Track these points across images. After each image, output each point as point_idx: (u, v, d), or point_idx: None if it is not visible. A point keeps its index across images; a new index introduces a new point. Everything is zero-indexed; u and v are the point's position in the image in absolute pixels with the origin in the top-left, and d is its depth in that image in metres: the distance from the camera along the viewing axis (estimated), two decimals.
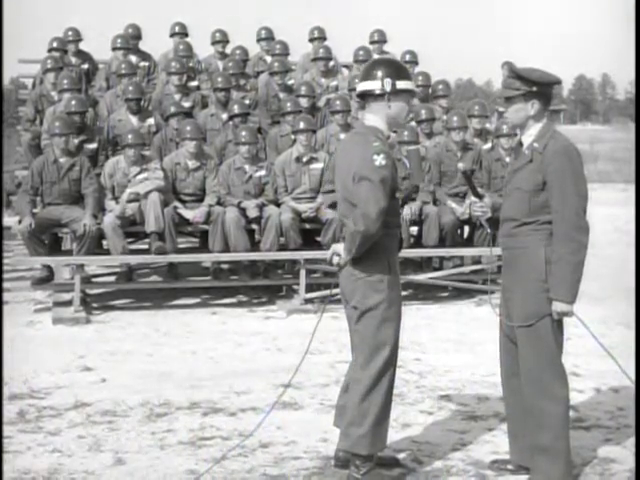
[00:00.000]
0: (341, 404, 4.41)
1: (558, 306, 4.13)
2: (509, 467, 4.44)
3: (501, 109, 11.01)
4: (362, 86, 4.29)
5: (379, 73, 4.22)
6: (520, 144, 4.34)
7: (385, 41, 11.64)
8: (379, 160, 4.08)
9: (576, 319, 4.23)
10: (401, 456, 4.60)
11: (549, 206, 4.16)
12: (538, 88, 4.21)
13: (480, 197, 4.51)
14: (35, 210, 8.64)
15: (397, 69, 4.29)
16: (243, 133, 8.95)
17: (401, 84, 4.23)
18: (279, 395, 5.20)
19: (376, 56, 11.00)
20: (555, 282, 4.12)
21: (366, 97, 4.29)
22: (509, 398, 4.44)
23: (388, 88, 4.20)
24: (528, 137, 4.28)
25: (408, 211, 8.87)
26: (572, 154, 4.17)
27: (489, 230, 4.35)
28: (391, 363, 4.23)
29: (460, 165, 4.54)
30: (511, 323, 4.27)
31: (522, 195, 4.20)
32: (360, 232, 4.06)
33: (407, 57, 11.30)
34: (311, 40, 11.31)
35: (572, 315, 4.17)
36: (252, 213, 8.76)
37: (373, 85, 4.23)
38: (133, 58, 10.64)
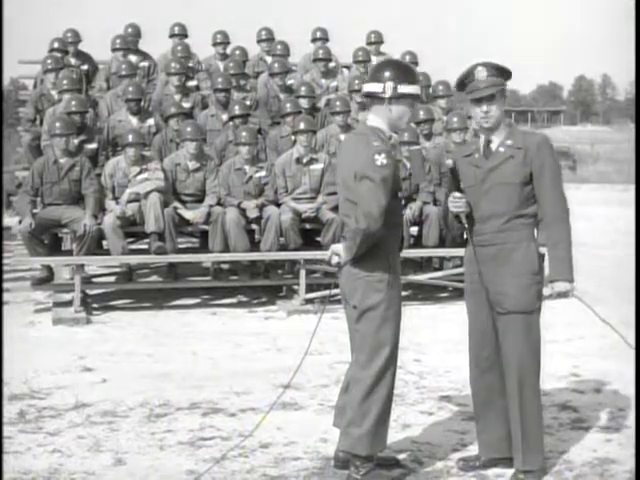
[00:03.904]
0: (341, 404, 4.41)
1: (561, 286, 4.20)
2: (477, 464, 4.46)
3: None
4: (367, 87, 4.29)
5: (384, 76, 4.21)
6: (488, 144, 4.30)
7: (382, 42, 11.64)
8: (380, 159, 4.08)
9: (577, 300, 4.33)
10: (401, 457, 4.60)
11: (533, 197, 4.24)
12: (506, 82, 4.24)
13: (462, 192, 4.49)
14: (35, 210, 8.64)
15: (403, 73, 4.25)
16: (243, 134, 8.95)
17: (404, 88, 4.20)
18: (279, 395, 5.19)
19: (374, 57, 11.05)
20: (556, 263, 4.21)
21: (370, 98, 4.29)
22: (481, 394, 4.44)
23: (389, 92, 4.18)
24: (497, 136, 4.27)
25: (408, 211, 8.89)
26: (551, 145, 4.27)
27: (466, 226, 4.34)
28: (392, 363, 4.23)
29: (449, 161, 4.51)
30: (504, 309, 4.24)
31: (510, 188, 4.22)
32: (362, 230, 4.06)
33: (407, 58, 11.29)
34: (313, 41, 11.32)
35: (572, 293, 4.23)
36: (252, 213, 8.76)
37: (376, 87, 4.22)
38: (133, 58, 10.65)
